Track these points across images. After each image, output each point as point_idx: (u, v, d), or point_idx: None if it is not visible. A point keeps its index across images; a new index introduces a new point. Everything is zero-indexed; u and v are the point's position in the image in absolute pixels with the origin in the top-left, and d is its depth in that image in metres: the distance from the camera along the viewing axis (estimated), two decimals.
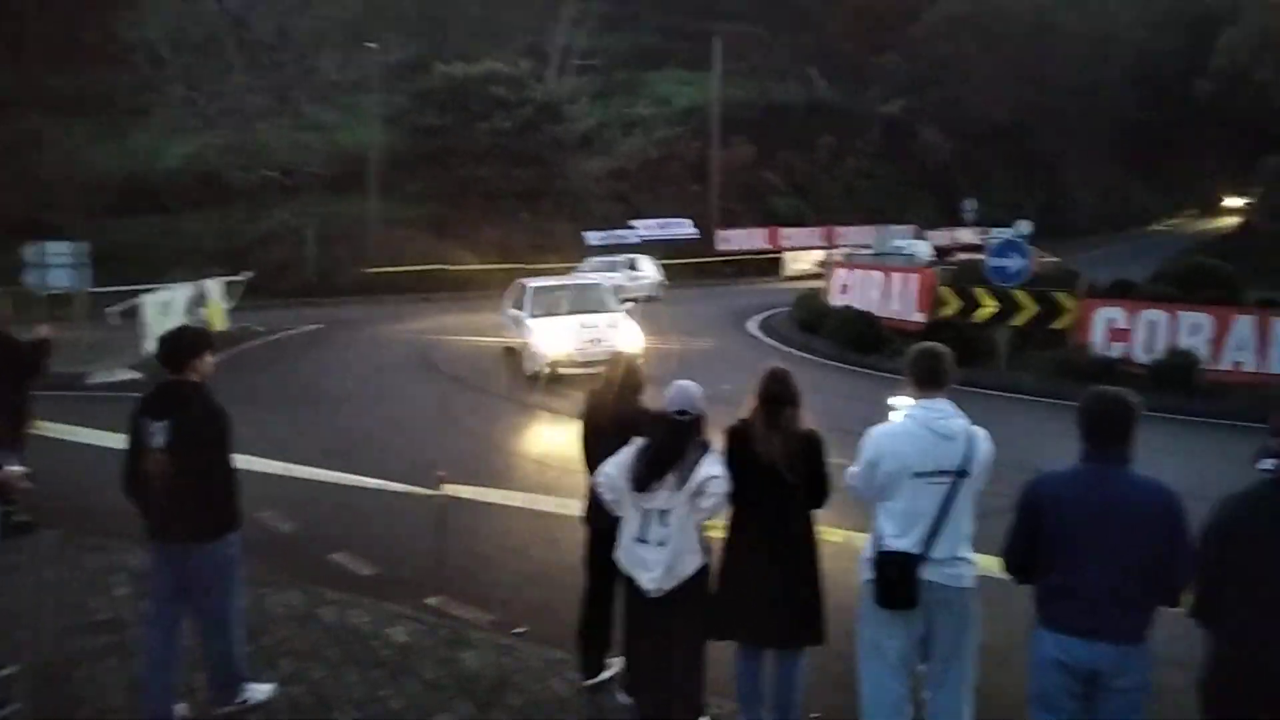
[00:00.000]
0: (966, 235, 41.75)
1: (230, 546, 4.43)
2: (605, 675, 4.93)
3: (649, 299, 24.85)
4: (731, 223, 38.56)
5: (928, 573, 3.79)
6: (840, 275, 20.60)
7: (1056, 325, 14.52)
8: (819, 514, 4.33)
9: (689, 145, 40.10)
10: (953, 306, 15.95)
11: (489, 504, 6.16)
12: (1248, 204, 60.23)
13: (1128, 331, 13.78)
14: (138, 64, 29.27)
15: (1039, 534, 3.48)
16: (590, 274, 24.02)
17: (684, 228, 37.57)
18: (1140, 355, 13.56)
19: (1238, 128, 52.59)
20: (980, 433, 3.91)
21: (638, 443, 4.26)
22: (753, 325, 21.66)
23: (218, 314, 19.53)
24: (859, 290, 19.16)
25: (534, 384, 13.94)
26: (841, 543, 4.75)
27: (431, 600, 5.94)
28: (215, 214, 30.64)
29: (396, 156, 34.72)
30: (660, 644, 4.22)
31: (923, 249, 32.66)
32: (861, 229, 39.02)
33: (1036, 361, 14.44)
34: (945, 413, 3.88)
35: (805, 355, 17.03)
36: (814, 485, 4.20)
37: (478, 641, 5.49)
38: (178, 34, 29.84)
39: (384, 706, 4.75)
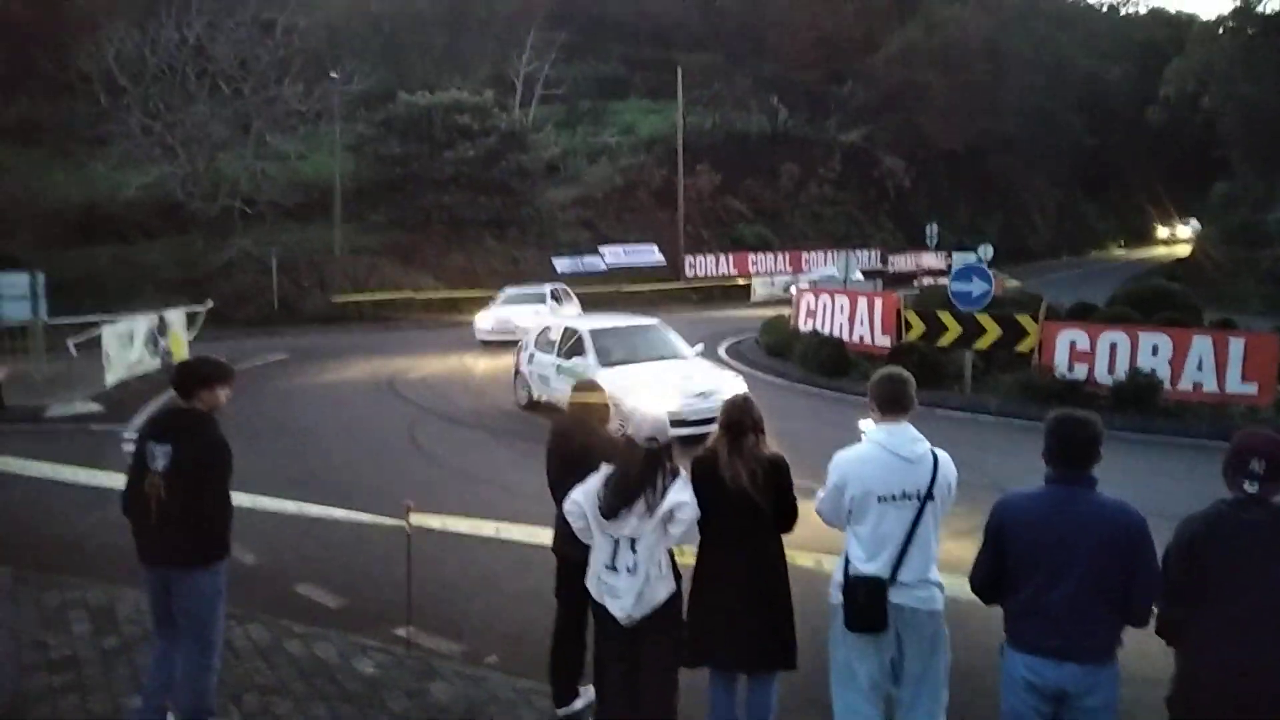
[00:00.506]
0: (930, 259, 42.40)
1: (216, 576, 4.45)
2: (578, 705, 4.88)
3: None
4: (698, 249, 38.83)
5: (897, 596, 3.81)
6: (806, 300, 20.78)
7: (1019, 348, 14.72)
8: (790, 538, 4.34)
9: (654, 173, 40.46)
10: (917, 330, 16.14)
11: (457, 533, 6.09)
12: (1171, 235, 62.83)
13: (1089, 353, 14.00)
14: (96, 93, 28.96)
15: (1006, 555, 3.51)
16: (512, 307, 23.62)
17: (651, 254, 37.78)
18: (1102, 376, 13.78)
19: (1187, 154, 54.07)
20: (944, 456, 3.95)
21: (605, 470, 4.25)
22: (721, 351, 21.74)
23: (179, 344, 19.23)
24: (825, 315, 19.33)
25: (527, 408, 13.89)
26: (812, 566, 4.75)
27: (400, 631, 5.85)
28: (176, 243, 30.31)
29: (361, 185, 34.67)
30: (632, 672, 4.20)
31: (857, 278, 33.57)
32: (827, 254, 39.53)
33: (1000, 384, 14.63)
34: (909, 437, 3.92)
35: (773, 380, 17.12)
36: (781, 510, 4.21)
37: (447, 673, 5.41)
38: (137, 63, 29.58)
39: None
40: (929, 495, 3.84)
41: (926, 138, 48.93)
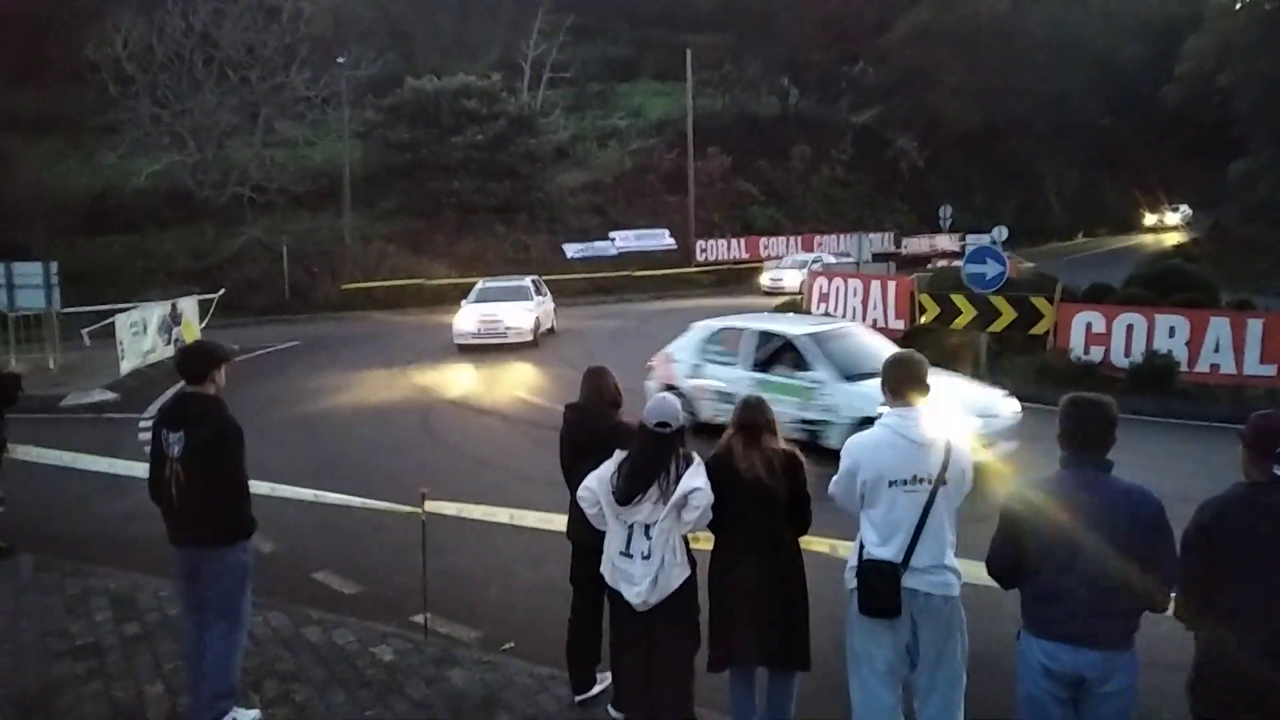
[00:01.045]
0: (944, 242, 42.13)
1: (242, 553, 4.59)
2: (594, 690, 4.90)
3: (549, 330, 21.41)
4: (709, 233, 38.68)
5: (911, 581, 3.80)
6: (819, 284, 20.69)
7: (1035, 330, 14.63)
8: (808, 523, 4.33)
9: (664, 156, 40.25)
10: (931, 313, 16.05)
11: (473, 520, 6.11)
12: (1159, 222, 59.78)
13: (1105, 335, 13.91)
14: (105, 82, 29.00)
15: (1023, 540, 3.49)
16: (498, 305, 19.63)
17: (662, 239, 37.67)
18: (1119, 359, 13.68)
19: (1203, 133, 53.46)
20: (958, 439, 3.92)
21: (619, 456, 4.25)
22: None
23: (191, 333, 19.34)
24: (838, 299, 19.25)
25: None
26: (827, 553, 4.75)
27: (417, 618, 5.88)
28: (186, 232, 30.39)
29: (369, 171, 34.63)
30: (648, 657, 4.20)
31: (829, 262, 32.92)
32: (840, 237, 39.33)
33: (1016, 367, 14.54)
34: (921, 421, 3.90)
35: None
36: (795, 504, 4.21)
37: (465, 659, 5.44)
38: (145, 52, 29.59)
39: None
40: (941, 479, 3.82)
41: (940, 118, 48.46)
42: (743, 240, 39.18)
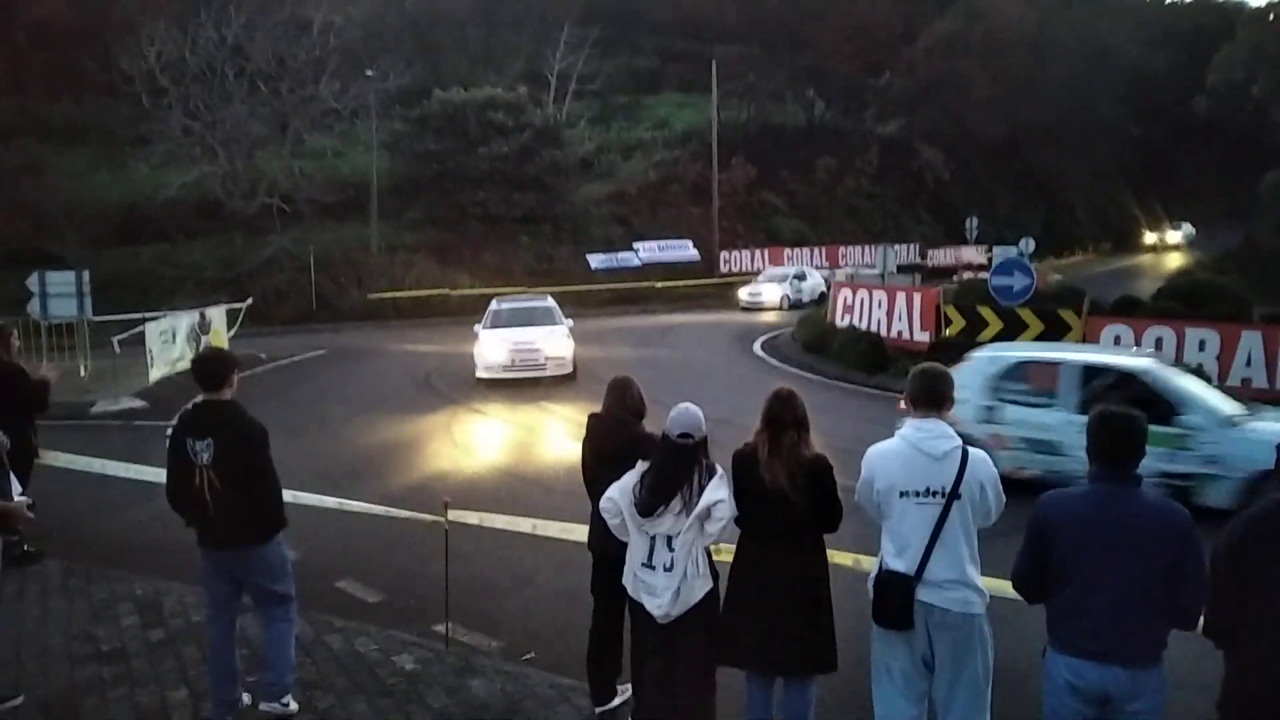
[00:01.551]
0: (970, 253, 41.86)
1: (280, 545, 4.80)
2: (616, 702, 4.88)
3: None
4: (733, 244, 38.64)
5: (925, 594, 3.78)
6: (843, 295, 20.62)
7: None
8: (830, 537, 4.30)
9: (689, 167, 40.29)
10: (957, 326, 15.94)
11: (495, 529, 6.12)
12: (1160, 241, 56.61)
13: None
14: (137, 93, 29.48)
15: (1049, 555, 3.46)
16: (529, 330, 16.56)
17: (686, 250, 37.67)
18: None
19: (1235, 144, 52.85)
20: (978, 454, 3.89)
21: (641, 467, 4.24)
22: (757, 347, 21.65)
23: (220, 341, 19.54)
24: (862, 311, 19.17)
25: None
26: (850, 565, 4.72)
27: (439, 627, 5.89)
28: (215, 242, 30.75)
29: (396, 182, 34.93)
30: (669, 670, 4.19)
31: (814, 280, 32.73)
32: (865, 248, 39.20)
33: None
34: (937, 433, 3.87)
35: (810, 376, 17.00)
36: (822, 511, 4.16)
37: (486, 669, 5.44)
38: (177, 64, 30.06)
39: None
40: (955, 494, 3.79)
41: (966, 129, 48.22)
42: (766, 251, 39.10)
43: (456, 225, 34.00)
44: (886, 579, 3.83)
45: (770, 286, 31.64)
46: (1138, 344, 13.73)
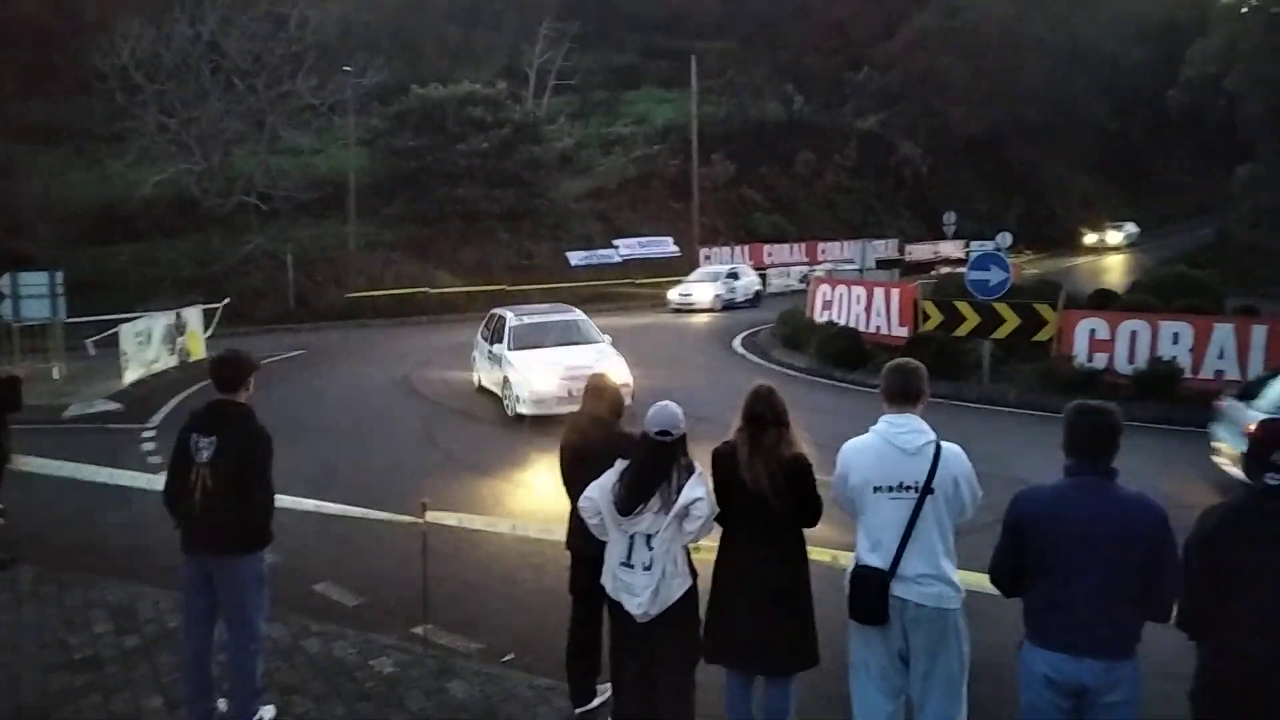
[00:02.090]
0: (948, 248, 42.09)
1: (260, 562, 4.63)
2: (595, 702, 4.88)
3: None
4: (713, 240, 38.68)
5: (899, 589, 3.80)
6: (822, 291, 20.68)
7: (1038, 337, 14.59)
8: (809, 534, 4.30)
9: (669, 163, 40.30)
10: (935, 320, 16.02)
11: (474, 530, 6.10)
12: (1100, 242, 52.18)
13: (1109, 342, 13.86)
14: (112, 91, 29.14)
15: (1025, 549, 3.48)
16: (564, 352, 13.41)
17: (666, 245, 37.68)
18: (1122, 365, 13.64)
19: (1210, 137, 53.40)
20: (951, 449, 3.89)
21: (620, 466, 4.23)
22: (738, 343, 21.69)
23: (196, 342, 19.38)
24: (841, 306, 19.22)
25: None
26: (828, 562, 4.73)
27: (418, 630, 5.86)
28: (192, 241, 30.45)
29: (375, 179, 34.73)
30: (648, 669, 4.18)
31: (748, 279, 31.57)
32: (844, 244, 39.31)
33: (1019, 374, 14.52)
34: (910, 428, 3.88)
35: (790, 372, 17.05)
36: (803, 508, 4.16)
37: (465, 671, 5.42)
38: (152, 61, 29.72)
39: None
40: (928, 488, 3.80)
41: (944, 124, 48.47)
42: (747, 247, 39.16)
43: (435, 222, 33.86)
44: (861, 574, 3.85)
45: (702, 286, 29.87)
46: (1113, 338, 13.83)
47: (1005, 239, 31.06)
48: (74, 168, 32.35)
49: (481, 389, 14.97)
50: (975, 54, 46.87)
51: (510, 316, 14.39)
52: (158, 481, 4.69)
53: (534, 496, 8.79)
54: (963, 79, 46.95)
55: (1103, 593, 3.34)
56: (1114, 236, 53.48)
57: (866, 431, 4.04)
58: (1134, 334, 13.68)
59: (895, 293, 18.03)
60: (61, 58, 31.11)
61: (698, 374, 16.59)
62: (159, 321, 18.11)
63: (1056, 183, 56.71)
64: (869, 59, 49.66)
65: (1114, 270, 40.37)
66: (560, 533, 5.11)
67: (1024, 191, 53.91)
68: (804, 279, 31.85)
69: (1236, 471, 8.21)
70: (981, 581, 3.78)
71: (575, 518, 4.54)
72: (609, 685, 4.71)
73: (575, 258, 35.33)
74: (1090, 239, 53.61)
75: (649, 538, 4.10)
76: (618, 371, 12.10)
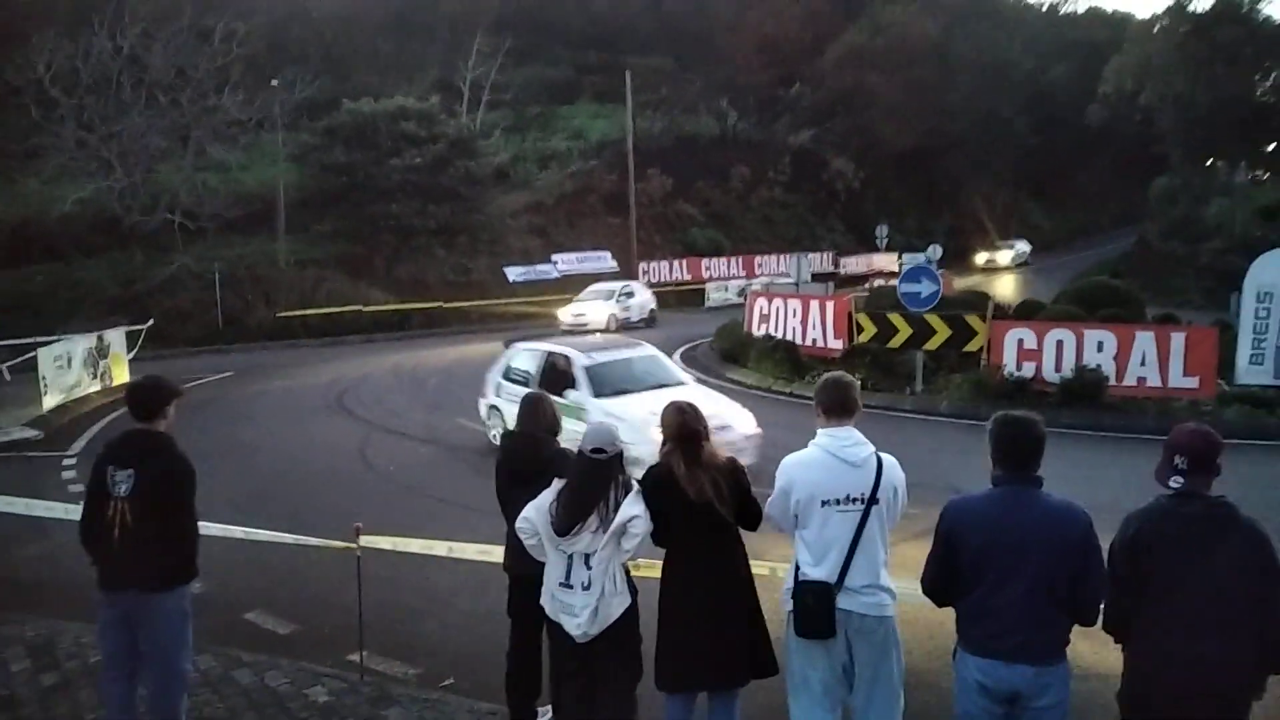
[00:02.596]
0: (881, 261, 42.85)
1: (182, 599, 4.42)
2: None
3: None
4: (651, 255, 38.83)
5: (845, 602, 3.82)
6: (759, 304, 20.86)
7: (969, 348, 14.91)
8: (747, 547, 4.30)
9: (605, 178, 40.37)
10: (869, 333, 16.28)
11: (410, 554, 5.98)
12: (990, 261, 48.49)
13: (1037, 351, 14.22)
14: (27, 105, 28.14)
15: (958, 558, 3.53)
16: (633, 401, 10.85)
17: (604, 261, 37.69)
18: (1050, 374, 14.00)
19: (1127, 151, 55.37)
20: (889, 460, 3.96)
21: (557, 485, 4.19)
22: (676, 356, 21.74)
23: (120, 365, 18.76)
24: (778, 320, 19.41)
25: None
26: (766, 575, 4.73)
27: (353, 657, 5.72)
28: (114, 260, 29.48)
29: (305, 195, 34.08)
30: (589, 689, 4.14)
31: (643, 297, 30.30)
32: (780, 257, 39.76)
33: (951, 384, 14.80)
34: (852, 440, 3.93)
35: (729, 386, 17.12)
36: (745, 510, 4.20)
37: (402, 697, 5.31)
38: (69, 75, 28.77)
39: None
40: (873, 499, 3.85)
41: (875, 139, 49.46)
42: (684, 261, 39.42)
43: (369, 239, 33.35)
44: (808, 589, 3.84)
45: (596, 305, 28.24)
46: (1040, 347, 14.18)
47: (935, 251, 31.72)
48: None
49: None
50: (903, 71, 47.99)
51: (578, 355, 11.51)
52: (77, 511, 4.50)
53: (472, 516, 8.67)
54: (892, 95, 48.00)
55: (1033, 599, 3.39)
56: (1004, 256, 49.63)
57: (806, 443, 4.07)
58: (1060, 343, 14.05)
59: (830, 306, 18.27)
60: None
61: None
62: (80, 344, 17.48)
63: (983, 196, 58.25)
64: (801, 76, 50.50)
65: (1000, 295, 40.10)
66: (498, 554, 5.04)
67: (953, 205, 55.20)
68: (742, 292, 32.03)
69: None
70: (918, 590, 3.82)
71: (512, 537, 4.48)
72: (549, 707, 4.65)
73: (513, 273, 35.11)
74: (982, 258, 49.36)
75: (587, 557, 4.06)
76: (744, 421, 10.56)
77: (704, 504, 4.04)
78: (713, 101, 47.57)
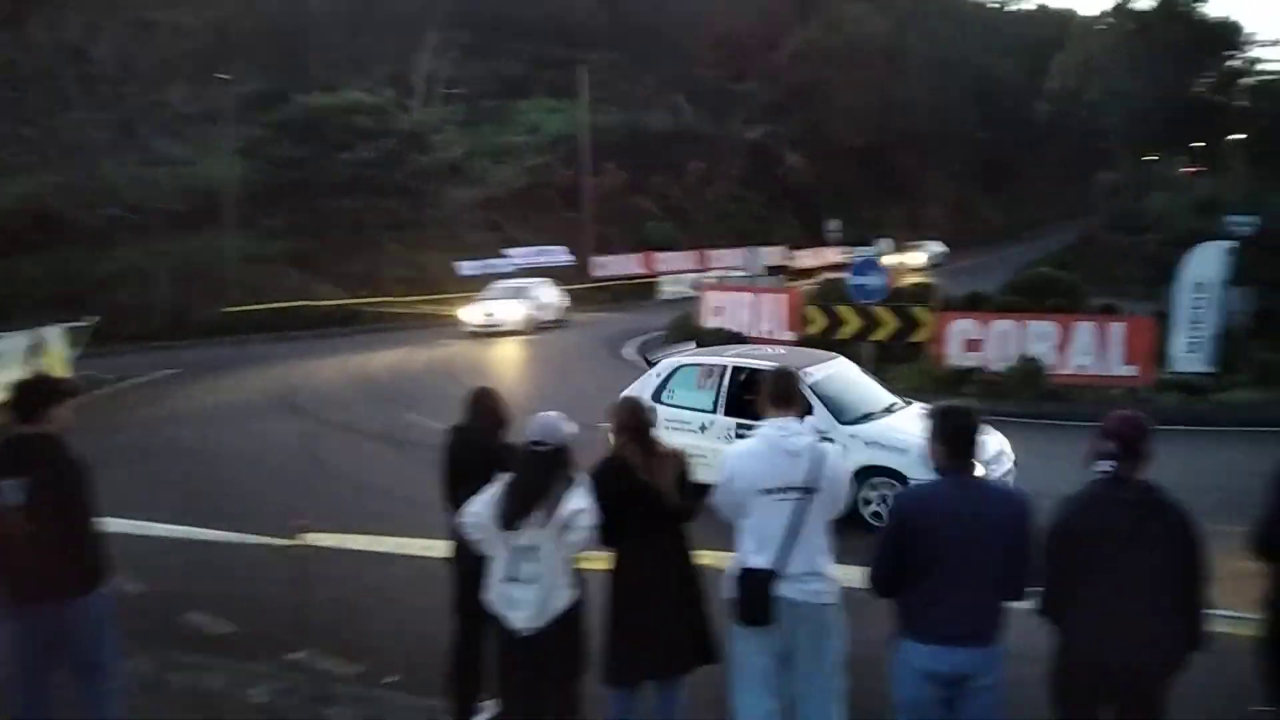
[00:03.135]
0: (833, 254, 43.19)
1: (105, 599, 4.26)
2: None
3: None
4: (606, 248, 38.77)
5: (783, 589, 3.86)
6: (712, 297, 20.95)
7: (915, 339, 15.12)
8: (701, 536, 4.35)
9: (560, 172, 40.22)
10: (819, 324, 16.43)
11: (354, 550, 5.91)
12: (903, 264, 40.05)
13: (981, 341, 14.47)
14: None
15: (912, 549, 3.56)
16: None
17: (559, 255, 37.53)
18: (994, 364, 14.25)
19: (1073, 146, 56.48)
20: (829, 449, 4.04)
21: (503, 479, 4.17)
22: (629, 351, 21.75)
23: (59, 363, 18.26)
24: (731, 312, 19.51)
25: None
26: (710, 564, 4.76)
27: (294, 655, 5.64)
28: (55, 256, 28.71)
29: (254, 190, 33.42)
30: (535, 683, 4.13)
31: (552, 294, 28.75)
32: (732, 251, 39.90)
33: (899, 374, 14.97)
34: (793, 430, 3.99)
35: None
36: (692, 497, 4.29)
37: (344, 696, 5.25)
38: (7, 67, 27.93)
39: None
40: (812, 488, 3.90)
41: (828, 134, 49.90)
42: (640, 255, 39.42)
43: (319, 233, 32.80)
44: (749, 576, 3.89)
45: (508, 305, 25.82)
46: (984, 337, 14.42)
47: (884, 244, 32.01)
48: None
49: None
50: (856, 66, 48.47)
51: (811, 372, 8.88)
52: None
53: (419, 512, 8.57)
54: (845, 91, 48.45)
55: (980, 583, 3.47)
56: (915, 258, 43.96)
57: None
58: (1003, 334, 14.31)
59: (781, 298, 18.40)
60: None
61: (588, 383, 16.55)
62: (16, 343, 17.01)
63: (934, 190, 59.05)
64: (755, 71, 50.74)
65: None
66: (443, 548, 5.00)
67: (904, 199, 55.88)
68: (695, 285, 32.10)
69: None
70: (856, 577, 3.86)
71: (456, 532, 4.46)
72: (493, 702, 4.63)
73: (467, 268, 34.82)
74: (890, 260, 39.03)
75: (532, 551, 4.05)
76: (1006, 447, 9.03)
77: (658, 492, 4.10)
78: (667, 96, 47.62)
